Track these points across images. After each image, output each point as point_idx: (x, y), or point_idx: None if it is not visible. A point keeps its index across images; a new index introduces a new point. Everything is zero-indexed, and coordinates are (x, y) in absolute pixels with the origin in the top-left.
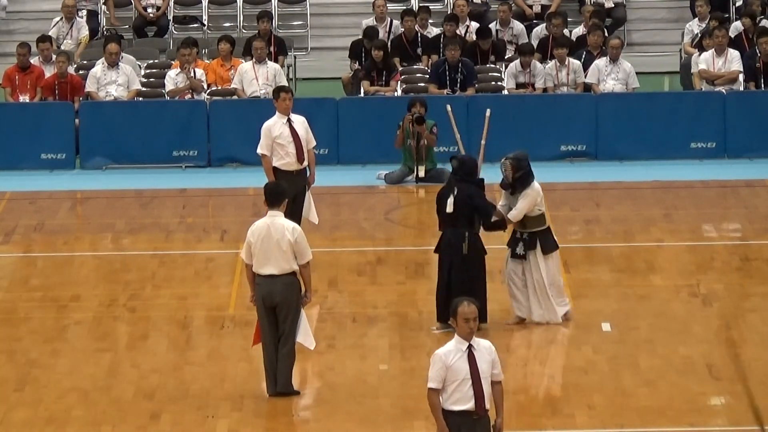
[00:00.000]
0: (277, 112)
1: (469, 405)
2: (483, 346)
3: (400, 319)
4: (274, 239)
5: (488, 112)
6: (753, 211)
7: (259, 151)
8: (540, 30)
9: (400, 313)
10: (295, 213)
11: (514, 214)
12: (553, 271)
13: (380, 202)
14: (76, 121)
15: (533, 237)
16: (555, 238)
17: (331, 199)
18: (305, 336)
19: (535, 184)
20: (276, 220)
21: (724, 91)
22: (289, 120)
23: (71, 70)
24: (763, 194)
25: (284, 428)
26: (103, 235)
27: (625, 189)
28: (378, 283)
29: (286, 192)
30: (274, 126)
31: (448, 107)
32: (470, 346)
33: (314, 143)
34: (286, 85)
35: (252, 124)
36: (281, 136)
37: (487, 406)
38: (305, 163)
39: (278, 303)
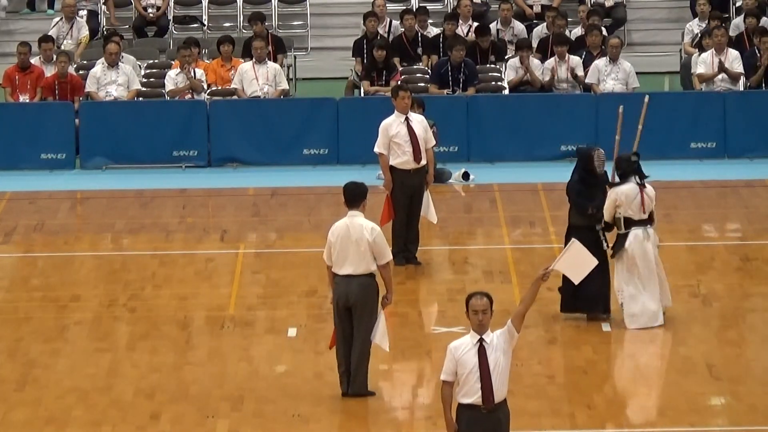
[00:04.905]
0: (395, 111)
1: (475, 398)
2: (496, 339)
3: (400, 319)
4: (352, 239)
5: (647, 98)
6: (753, 211)
7: (376, 149)
8: (540, 29)
9: (400, 313)
10: (412, 212)
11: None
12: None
13: (380, 202)
14: (76, 121)
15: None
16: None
17: (331, 199)
18: (382, 338)
19: (617, 189)
20: (355, 219)
21: (721, 90)
22: (407, 119)
23: (71, 70)
24: (763, 194)
25: (284, 428)
26: (103, 235)
27: None
28: (378, 283)
29: (365, 192)
30: (392, 125)
31: (646, 98)
32: (481, 340)
33: (434, 142)
34: (404, 84)
35: (252, 125)
36: (398, 135)
37: (498, 399)
38: (423, 162)
39: (353, 304)
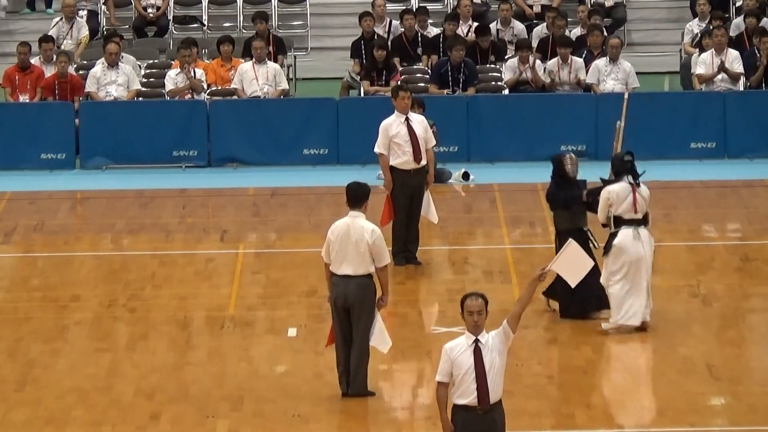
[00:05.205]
0: (395, 111)
1: (471, 399)
2: (491, 340)
3: (400, 319)
4: (352, 239)
5: (626, 95)
6: (753, 211)
7: (376, 149)
8: (540, 29)
9: (400, 313)
10: (412, 212)
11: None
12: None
13: (380, 202)
14: (76, 121)
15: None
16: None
17: (331, 199)
18: (380, 339)
19: (609, 187)
20: (356, 220)
21: (721, 90)
22: (407, 119)
23: (71, 70)
24: (762, 194)
25: (284, 428)
26: (103, 235)
27: None
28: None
29: (368, 193)
30: (392, 125)
31: (626, 95)
32: (476, 341)
33: (434, 142)
34: (404, 84)
35: (252, 124)
36: (398, 135)
37: (494, 400)
38: (423, 162)
39: (351, 304)
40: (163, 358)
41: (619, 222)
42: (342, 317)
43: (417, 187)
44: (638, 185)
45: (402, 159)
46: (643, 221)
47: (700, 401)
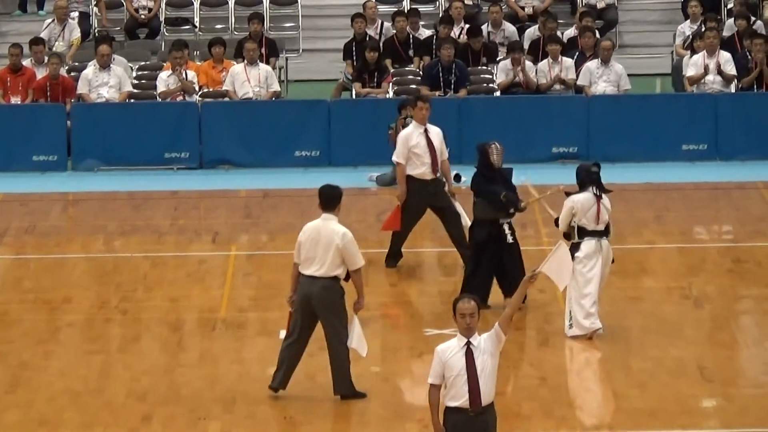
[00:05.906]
0: (413, 121)
1: (462, 401)
2: (483, 342)
3: (392, 321)
4: (322, 241)
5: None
6: (744, 213)
7: (395, 158)
8: (532, 32)
9: (392, 315)
10: (448, 221)
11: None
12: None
13: (372, 204)
14: (68, 122)
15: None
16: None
17: None
18: (359, 342)
19: (573, 197)
20: (328, 223)
21: (713, 92)
22: (425, 130)
23: (63, 71)
24: (754, 196)
25: (275, 430)
26: (95, 236)
27: (616, 191)
28: (370, 285)
29: (341, 196)
30: (412, 135)
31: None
32: (468, 343)
33: (447, 154)
34: (423, 94)
35: (244, 126)
36: (418, 146)
37: (485, 402)
38: (439, 173)
39: (315, 306)
40: (155, 360)
41: (583, 233)
42: (304, 317)
43: (432, 196)
44: (601, 197)
45: (420, 169)
46: (605, 232)
47: (692, 403)
